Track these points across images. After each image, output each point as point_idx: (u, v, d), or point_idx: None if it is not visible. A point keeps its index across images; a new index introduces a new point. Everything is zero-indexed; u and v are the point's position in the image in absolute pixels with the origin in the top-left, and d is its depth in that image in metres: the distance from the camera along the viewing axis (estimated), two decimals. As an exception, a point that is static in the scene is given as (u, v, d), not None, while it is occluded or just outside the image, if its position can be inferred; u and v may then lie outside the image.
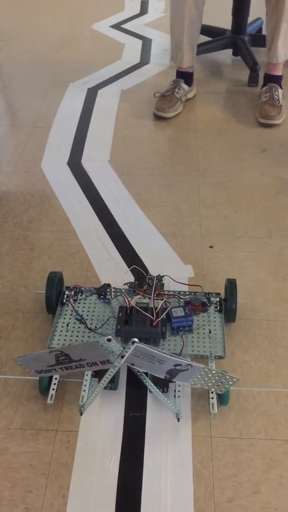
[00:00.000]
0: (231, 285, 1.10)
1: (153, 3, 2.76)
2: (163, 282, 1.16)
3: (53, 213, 1.42)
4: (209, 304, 1.11)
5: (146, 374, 0.91)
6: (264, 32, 2.29)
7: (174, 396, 0.96)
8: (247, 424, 0.95)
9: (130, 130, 1.77)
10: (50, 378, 0.97)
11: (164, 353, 0.81)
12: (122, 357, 0.82)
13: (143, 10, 2.70)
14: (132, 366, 0.86)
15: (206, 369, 0.86)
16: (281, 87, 1.82)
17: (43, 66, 2.18)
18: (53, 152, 1.67)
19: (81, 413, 0.96)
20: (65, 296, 1.13)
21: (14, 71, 2.17)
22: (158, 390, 0.93)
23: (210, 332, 1.06)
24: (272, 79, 1.82)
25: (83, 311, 1.10)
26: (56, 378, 0.98)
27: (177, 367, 0.84)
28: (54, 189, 1.51)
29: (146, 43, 2.37)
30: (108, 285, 1.14)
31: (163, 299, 1.06)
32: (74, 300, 1.12)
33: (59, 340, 1.05)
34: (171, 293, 1.12)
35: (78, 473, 0.88)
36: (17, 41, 2.38)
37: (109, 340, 0.78)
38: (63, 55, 2.26)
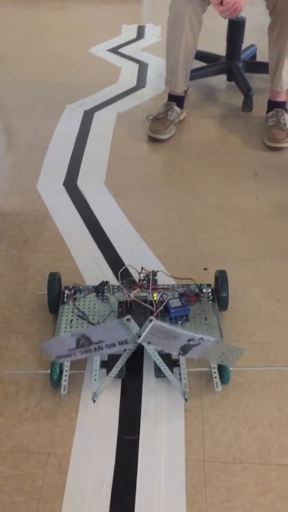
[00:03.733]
0: (222, 276, 1.17)
1: (149, 28, 2.82)
2: (156, 277, 1.19)
3: (48, 234, 1.43)
4: (202, 295, 1.17)
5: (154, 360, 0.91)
6: (258, 58, 2.36)
7: (180, 379, 1.01)
8: (240, 448, 0.94)
9: (126, 152, 1.79)
10: (61, 372, 1.01)
11: (179, 329, 0.86)
12: (139, 336, 0.86)
13: (140, 35, 2.76)
14: (148, 345, 0.90)
15: (216, 342, 0.90)
16: (286, 111, 1.86)
17: (41, 88, 2.21)
18: (49, 173, 1.68)
19: (94, 401, 0.98)
20: (65, 295, 1.17)
21: (12, 92, 2.20)
22: (168, 370, 0.97)
23: (206, 320, 1.12)
24: (277, 105, 1.86)
25: (83, 308, 1.15)
26: (66, 371, 1.01)
27: (190, 342, 0.89)
28: (49, 209, 1.52)
29: (143, 67, 2.42)
30: (106, 282, 1.20)
31: (160, 292, 1.11)
32: (74, 299, 1.17)
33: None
34: (165, 286, 1.18)
35: (69, 498, 0.87)
36: (15, 63, 2.42)
37: (128, 319, 0.83)
38: (61, 78, 2.30)
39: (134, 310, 1.08)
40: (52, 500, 0.87)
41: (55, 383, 1.01)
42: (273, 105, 1.87)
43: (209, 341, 0.89)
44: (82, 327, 1.11)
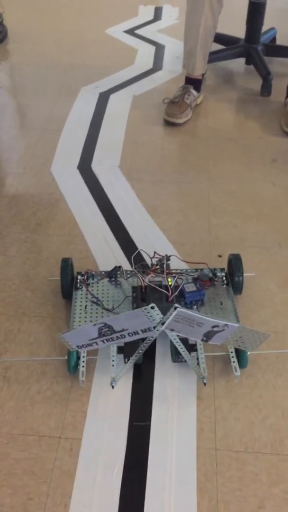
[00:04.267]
0: (236, 259, 1.16)
1: (167, 10, 2.76)
2: (169, 262, 1.17)
3: (62, 217, 1.42)
4: (216, 279, 1.16)
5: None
6: (277, 42, 2.30)
7: (198, 363, 1.00)
8: (252, 437, 0.93)
9: (141, 136, 1.77)
10: (77, 358, 1.01)
11: (204, 316, 0.85)
12: (163, 323, 0.85)
13: (157, 16, 2.70)
14: (171, 332, 0.89)
15: (240, 328, 0.89)
16: None
17: (56, 70, 2.18)
18: (63, 156, 1.66)
19: (113, 386, 0.97)
20: (78, 281, 1.16)
21: (27, 73, 2.17)
22: (188, 355, 0.97)
23: (221, 304, 1.11)
24: None
25: (97, 293, 1.14)
26: (84, 357, 1.01)
27: (214, 329, 0.88)
28: (63, 192, 1.51)
29: (159, 49, 2.37)
30: (119, 267, 1.18)
31: (175, 276, 1.10)
32: (87, 284, 1.15)
33: (79, 323, 1.07)
34: (178, 271, 1.16)
35: (80, 482, 0.87)
36: (30, 44, 2.38)
37: (152, 307, 0.83)
38: (76, 59, 2.26)
39: (149, 295, 1.08)
40: (63, 484, 0.87)
41: (73, 369, 1.00)
42: (292, 90, 1.83)
43: (234, 327, 0.88)
44: (96, 313, 1.10)
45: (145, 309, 0.84)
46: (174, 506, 0.84)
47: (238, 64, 2.22)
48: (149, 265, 1.18)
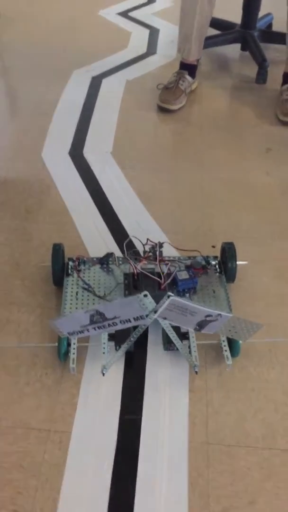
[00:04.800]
0: (230, 247, 1.14)
1: (161, -8, 2.71)
2: (161, 249, 1.16)
3: (53, 204, 1.39)
4: (209, 267, 1.15)
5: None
6: (274, 28, 2.27)
7: (190, 352, 0.99)
8: (244, 432, 0.92)
9: (134, 122, 1.73)
10: (68, 344, 0.99)
11: (197, 305, 0.84)
12: (156, 311, 0.84)
13: (151, -2, 2.65)
14: (163, 320, 0.88)
15: (234, 318, 0.88)
16: None
17: (47, 52, 2.13)
18: (55, 141, 1.63)
19: (103, 374, 0.96)
20: (70, 267, 1.14)
21: (17, 55, 2.12)
22: (181, 343, 0.96)
23: (214, 292, 1.10)
24: None
25: (88, 280, 1.12)
26: (74, 343, 0.99)
27: (208, 318, 0.87)
28: (54, 179, 1.47)
29: (153, 33, 2.33)
30: (112, 254, 1.16)
31: (167, 264, 1.09)
32: (78, 271, 1.14)
33: (70, 309, 1.06)
34: (171, 258, 1.15)
35: (69, 476, 0.86)
36: (21, 25, 2.32)
37: (145, 295, 0.81)
38: (68, 41, 2.21)
39: (142, 282, 1.07)
40: (52, 478, 0.85)
41: (63, 356, 0.99)
42: (288, 77, 1.80)
43: (227, 317, 0.88)
44: (88, 299, 1.08)
45: (138, 296, 0.82)
46: (165, 501, 0.83)
47: (233, 50, 2.19)
48: (141, 252, 1.16)
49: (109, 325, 0.88)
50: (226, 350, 1.00)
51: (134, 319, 0.87)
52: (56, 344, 0.99)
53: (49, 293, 1.15)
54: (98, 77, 1.97)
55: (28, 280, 1.18)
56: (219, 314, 0.87)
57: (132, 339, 0.95)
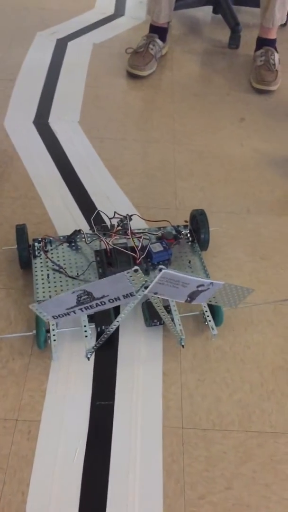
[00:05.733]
0: (200, 215, 1.11)
1: None
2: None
3: (17, 177, 1.31)
4: (181, 236, 1.12)
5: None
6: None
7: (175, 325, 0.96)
8: (220, 415, 0.90)
9: (102, 89, 1.65)
10: (47, 331, 0.95)
11: (189, 276, 0.81)
12: (146, 287, 0.81)
13: None
14: (153, 296, 0.84)
15: (226, 285, 0.85)
16: (276, 51, 1.72)
17: (8, 12, 1.99)
18: (18, 109, 1.53)
19: (88, 358, 0.92)
20: (36, 248, 1.08)
21: (-24, 14, 1.98)
22: (168, 318, 0.93)
23: (189, 262, 1.08)
24: (267, 43, 1.71)
25: (58, 260, 1.07)
26: (53, 330, 0.94)
27: (199, 288, 0.84)
28: (18, 150, 1.39)
29: (121, -8, 2.21)
30: (79, 231, 1.11)
31: (140, 237, 1.05)
32: (46, 251, 1.08)
33: (43, 293, 1.01)
34: (141, 230, 1.11)
35: (39, 468, 0.82)
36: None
37: (136, 270, 0.78)
38: (30, 0, 2.08)
39: (115, 258, 1.03)
40: (21, 470, 0.81)
41: (43, 344, 0.94)
42: (262, 42, 1.73)
43: (219, 285, 0.85)
44: (60, 281, 1.03)
45: (128, 273, 0.78)
46: (139, 489, 0.80)
47: (205, 12, 2.10)
48: (109, 226, 1.11)
49: (97, 305, 0.83)
50: (210, 320, 0.98)
51: (124, 296, 0.83)
52: (34, 331, 0.94)
53: (15, 273, 1.08)
54: (63, 39, 1.85)
55: (-9, 260, 1.11)
56: (211, 283, 0.84)
57: (119, 319, 0.89)
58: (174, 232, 1.13)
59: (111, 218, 1.10)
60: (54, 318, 0.84)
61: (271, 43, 1.72)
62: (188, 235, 1.13)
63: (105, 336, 0.91)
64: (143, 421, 0.88)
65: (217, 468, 0.84)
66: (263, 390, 0.94)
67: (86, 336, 0.94)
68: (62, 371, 0.93)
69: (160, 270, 0.78)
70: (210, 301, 0.89)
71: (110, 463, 0.83)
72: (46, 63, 1.73)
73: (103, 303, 0.83)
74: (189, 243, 1.12)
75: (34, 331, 0.94)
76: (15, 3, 2.05)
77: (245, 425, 0.89)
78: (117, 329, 0.99)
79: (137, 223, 1.13)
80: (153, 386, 0.92)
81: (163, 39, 1.75)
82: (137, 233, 1.09)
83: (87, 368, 0.94)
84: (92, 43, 1.85)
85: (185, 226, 1.15)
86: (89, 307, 0.83)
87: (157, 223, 1.15)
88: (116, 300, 0.83)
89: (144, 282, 0.81)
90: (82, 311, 0.84)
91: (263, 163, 1.43)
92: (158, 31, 1.73)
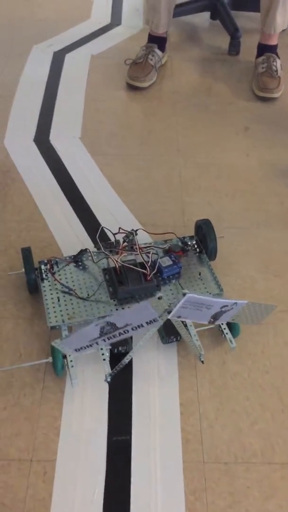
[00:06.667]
0: (206, 224, 1.10)
1: None
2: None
3: (20, 199, 1.27)
4: (188, 248, 1.10)
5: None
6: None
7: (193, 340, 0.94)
8: (241, 446, 0.87)
9: (103, 102, 1.61)
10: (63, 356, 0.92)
11: (213, 298, 0.80)
12: (169, 312, 0.79)
13: None
14: (176, 319, 0.83)
15: (249, 304, 0.84)
16: (278, 57, 1.68)
17: (2, 25, 1.96)
18: (18, 127, 1.50)
19: (108, 383, 0.90)
20: (43, 271, 1.05)
21: None
22: (189, 335, 0.92)
23: (200, 274, 1.06)
24: (268, 49, 1.68)
25: (66, 282, 1.04)
26: (70, 355, 0.91)
27: (223, 309, 0.83)
28: (19, 170, 1.35)
29: (117, 1, 2.18)
30: (86, 250, 1.08)
31: (149, 252, 1.03)
32: (53, 273, 1.05)
33: (56, 317, 0.97)
34: (147, 245, 1.09)
35: (57, 510, 0.78)
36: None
37: (160, 298, 0.77)
38: (25, 12, 2.05)
39: (126, 275, 1.00)
40: (38, 515, 0.78)
41: (60, 371, 0.91)
42: (264, 49, 1.70)
43: (242, 304, 0.83)
44: (71, 303, 0.99)
45: (152, 300, 0.77)
46: (162, 531, 0.77)
47: (202, 18, 2.06)
48: (114, 242, 1.08)
49: (120, 334, 0.82)
50: (227, 333, 0.97)
51: (147, 323, 0.81)
52: (34, 362, 0.91)
53: (22, 301, 1.05)
54: (60, 52, 1.82)
55: (-3, 288, 1.08)
56: (235, 303, 0.83)
57: (141, 342, 0.87)
58: (180, 244, 1.11)
59: (116, 234, 1.07)
60: (76, 351, 0.82)
61: (273, 49, 1.69)
62: (195, 246, 1.11)
63: (126, 361, 0.89)
64: (162, 457, 0.84)
65: (242, 504, 0.80)
66: (285, 417, 0.90)
67: (104, 360, 0.91)
68: (76, 404, 0.90)
69: (184, 294, 0.77)
70: (233, 319, 0.88)
71: (131, 503, 0.80)
72: (44, 78, 1.69)
73: (126, 331, 0.81)
74: (197, 254, 1.10)
75: (50, 358, 0.91)
76: (9, 14, 2.02)
77: (268, 457, 0.86)
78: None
79: (141, 237, 1.11)
80: (170, 418, 0.89)
81: (162, 48, 1.72)
82: (144, 247, 1.07)
83: (102, 399, 0.91)
84: (90, 55, 1.82)
85: (191, 237, 1.13)
86: (112, 337, 0.82)
87: (162, 236, 1.12)
88: (139, 327, 0.81)
89: (167, 307, 0.79)
90: (105, 341, 0.82)
91: (270, 174, 1.39)
92: (157, 41, 1.70)
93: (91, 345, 0.82)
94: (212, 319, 0.86)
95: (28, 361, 0.95)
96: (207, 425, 0.89)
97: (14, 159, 1.38)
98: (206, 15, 2.05)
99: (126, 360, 0.89)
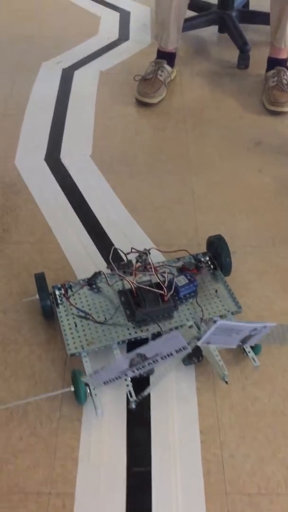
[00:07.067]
0: (219, 241, 1.09)
1: None
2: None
3: (32, 220, 1.26)
4: (202, 265, 1.09)
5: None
6: (250, 7, 2.14)
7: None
8: (265, 476, 0.84)
9: (113, 119, 1.60)
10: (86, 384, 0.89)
11: (243, 323, 0.80)
12: (198, 339, 0.79)
13: (119, -22, 2.48)
14: (205, 345, 0.83)
15: (278, 326, 0.83)
16: None
17: (10, 43, 1.96)
18: (28, 146, 1.49)
19: (134, 408, 0.88)
20: (57, 296, 1.03)
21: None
22: (217, 355, 0.91)
23: (216, 292, 1.04)
24: (279, 62, 1.67)
25: (82, 306, 1.02)
26: (93, 384, 0.89)
27: (252, 333, 0.82)
28: (31, 190, 1.34)
29: (124, 16, 2.18)
30: (99, 273, 1.06)
31: (164, 272, 1.01)
32: (68, 298, 1.03)
33: (74, 343, 0.95)
34: (160, 264, 1.08)
35: None
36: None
37: (190, 327, 0.78)
38: (33, 30, 2.05)
39: (143, 297, 0.98)
40: None
41: (84, 399, 0.89)
42: (274, 63, 1.69)
43: (272, 327, 0.82)
44: (89, 328, 0.97)
45: (183, 328, 0.77)
46: None
47: (210, 32, 2.06)
48: (127, 263, 1.06)
49: (149, 364, 0.81)
50: (249, 352, 0.95)
51: (176, 351, 0.80)
52: (49, 394, 0.89)
53: (36, 327, 1.03)
54: (69, 69, 1.82)
55: (12, 312, 1.06)
56: (265, 326, 0.82)
57: (169, 368, 0.87)
58: (193, 261, 1.09)
59: (127, 254, 1.06)
60: (105, 384, 0.81)
61: (283, 62, 1.68)
62: (209, 262, 1.10)
63: (152, 386, 0.88)
64: (184, 488, 0.82)
65: (267, 538, 0.78)
66: (308, 444, 0.88)
67: (127, 385, 0.89)
68: (94, 434, 0.88)
69: (215, 321, 0.76)
70: (261, 342, 0.87)
71: (153, 538, 0.77)
72: (53, 95, 1.69)
73: (155, 361, 0.81)
74: (211, 270, 1.09)
75: (72, 387, 0.89)
76: (18, 32, 2.02)
77: (293, 486, 0.83)
78: (147, 379, 0.94)
79: (153, 255, 1.08)
80: (191, 447, 0.87)
81: (171, 64, 1.72)
82: (159, 266, 1.06)
83: (120, 428, 0.89)
84: (98, 71, 1.81)
85: (204, 254, 1.12)
86: (141, 367, 0.81)
87: (174, 254, 1.11)
88: (168, 356, 0.80)
89: (197, 334, 0.78)
90: (134, 372, 0.81)
91: (283, 190, 1.38)
92: (166, 57, 1.70)
93: (120, 377, 0.81)
94: (240, 343, 0.85)
95: (44, 388, 0.93)
96: (228, 454, 0.86)
97: (25, 179, 1.37)
98: (215, 28, 2.04)
99: (152, 386, 0.88)
